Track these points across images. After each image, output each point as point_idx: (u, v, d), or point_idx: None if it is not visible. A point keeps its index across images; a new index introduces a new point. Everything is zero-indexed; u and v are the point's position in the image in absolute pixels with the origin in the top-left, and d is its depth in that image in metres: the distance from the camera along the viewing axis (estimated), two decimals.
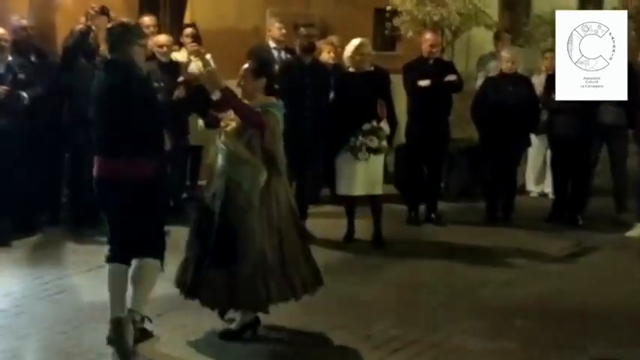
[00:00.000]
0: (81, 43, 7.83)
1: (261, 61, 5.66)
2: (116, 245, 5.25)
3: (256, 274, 5.20)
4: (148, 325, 5.29)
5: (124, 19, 6.00)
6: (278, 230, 5.31)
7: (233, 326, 5.44)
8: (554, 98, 7.95)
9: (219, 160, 5.36)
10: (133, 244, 5.21)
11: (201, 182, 5.88)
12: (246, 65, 5.55)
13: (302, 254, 5.48)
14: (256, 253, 5.20)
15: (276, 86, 5.92)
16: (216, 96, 5.24)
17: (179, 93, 7.59)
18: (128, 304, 5.15)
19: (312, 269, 5.53)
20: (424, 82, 8.63)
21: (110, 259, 5.26)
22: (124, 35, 5.27)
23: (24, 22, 8.26)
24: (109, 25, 5.73)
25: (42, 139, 8.08)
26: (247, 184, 5.22)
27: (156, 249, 5.25)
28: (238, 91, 5.45)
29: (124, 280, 5.19)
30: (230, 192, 5.25)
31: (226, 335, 5.41)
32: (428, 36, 9.03)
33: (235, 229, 5.19)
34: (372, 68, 8.03)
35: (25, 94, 7.71)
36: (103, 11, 7.82)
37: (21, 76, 7.73)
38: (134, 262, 5.20)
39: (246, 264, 5.19)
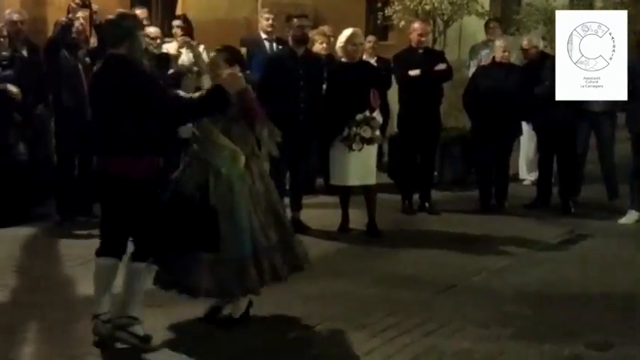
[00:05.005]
0: (63, 36, 7.80)
1: (232, 50, 5.66)
2: (109, 239, 5.11)
3: (245, 257, 5.19)
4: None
5: (122, 10, 5.42)
6: (269, 206, 5.38)
7: (232, 313, 5.44)
8: (546, 84, 8.00)
9: (194, 146, 5.43)
10: (126, 241, 5.10)
11: None
12: (213, 54, 5.62)
13: (292, 233, 5.59)
14: (244, 235, 5.20)
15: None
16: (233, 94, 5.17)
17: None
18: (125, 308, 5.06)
19: (301, 251, 5.59)
20: (414, 72, 8.62)
21: (100, 253, 5.10)
22: (133, 29, 4.99)
23: (15, 16, 8.25)
24: (110, 17, 5.15)
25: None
26: (226, 169, 5.24)
27: (146, 252, 5.08)
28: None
29: (112, 275, 5.08)
30: (209, 178, 5.24)
31: (226, 322, 5.41)
32: (416, 25, 9.02)
33: (217, 214, 5.14)
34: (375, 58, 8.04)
35: (12, 89, 7.74)
36: (85, 4, 7.79)
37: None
38: (126, 266, 5.06)
39: (231, 248, 5.17)
